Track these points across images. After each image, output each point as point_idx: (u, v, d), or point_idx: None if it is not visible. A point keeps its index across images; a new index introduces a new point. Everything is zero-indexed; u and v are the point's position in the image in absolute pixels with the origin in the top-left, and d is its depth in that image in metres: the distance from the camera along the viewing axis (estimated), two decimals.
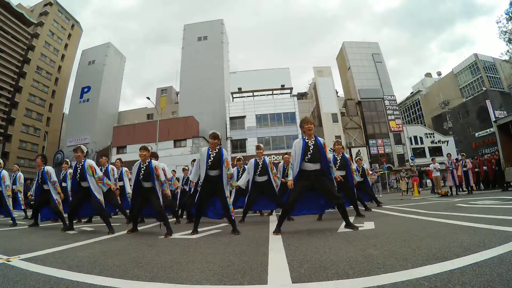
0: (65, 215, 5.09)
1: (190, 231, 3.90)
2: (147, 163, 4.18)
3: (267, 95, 37.21)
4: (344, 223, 3.55)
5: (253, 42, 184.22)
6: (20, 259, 2.49)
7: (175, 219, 5.92)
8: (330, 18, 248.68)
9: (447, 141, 34.37)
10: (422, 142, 35.26)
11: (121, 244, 3.27)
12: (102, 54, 43.25)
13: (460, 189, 11.67)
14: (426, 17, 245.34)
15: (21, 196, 7.67)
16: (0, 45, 37.26)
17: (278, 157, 23.65)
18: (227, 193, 3.92)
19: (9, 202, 6.21)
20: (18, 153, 38.33)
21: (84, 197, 4.55)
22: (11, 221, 5.95)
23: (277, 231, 3.41)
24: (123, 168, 7.02)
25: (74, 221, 6.17)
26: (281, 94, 37.04)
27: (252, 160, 5.51)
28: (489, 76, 42.75)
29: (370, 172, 8.83)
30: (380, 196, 15.37)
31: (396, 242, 2.49)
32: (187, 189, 6.66)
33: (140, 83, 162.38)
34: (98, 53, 43.55)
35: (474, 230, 2.84)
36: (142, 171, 4.13)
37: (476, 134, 34.38)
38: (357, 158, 8.55)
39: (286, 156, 6.41)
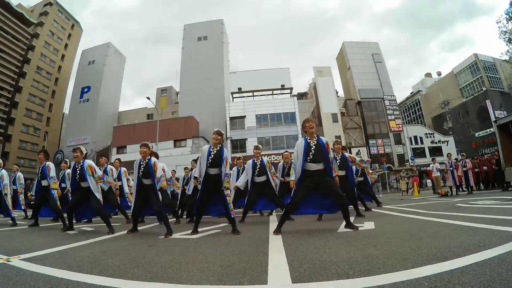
0: (65, 215, 5.09)
1: (190, 231, 3.90)
2: (147, 160, 4.19)
3: (267, 95, 37.21)
4: (344, 223, 3.55)
5: (253, 42, 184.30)
6: (20, 259, 2.49)
7: (175, 219, 5.92)
8: (330, 18, 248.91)
9: (447, 141, 34.37)
10: (422, 142, 35.25)
11: (121, 244, 3.27)
12: (102, 54, 43.25)
13: (460, 189, 11.67)
14: (426, 17, 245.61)
15: (21, 196, 7.66)
16: (0, 45, 37.26)
17: (278, 157, 23.64)
18: (228, 192, 3.92)
19: (8, 201, 6.20)
20: (18, 153, 38.33)
21: (84, 197, 4.54)
22: (11, 221, 5.94)
23: (277, 231, 3.41)
24: (122, 168, 7.02)
25: (74, 222, 6.18)
26: (281, 94, 37.04)
27: (250, 161, 5.52)
28: (489, 76, 42.74)
29: (370, 171, 8.83)
30: (380, 196, 15.37)
31: (396, 242, 2.49)
32: (187, 190, 6.67)
33: (140, 83, 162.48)
34: (98, 53, 43.54)
35: (474, 230, 2.84)
36: (142, 168, 4.14)
37: (476, 134, 34.36)
38: (357, 155, 8.57)
39: (286, 153, 6.42)
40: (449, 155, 11.71)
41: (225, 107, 33.47)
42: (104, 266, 2.17)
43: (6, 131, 37.62)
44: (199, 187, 4.11)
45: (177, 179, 8.04)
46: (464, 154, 12.35)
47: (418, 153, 34.38)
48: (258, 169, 5.37)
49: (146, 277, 1.84)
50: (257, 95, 37.31)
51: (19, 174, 7.71)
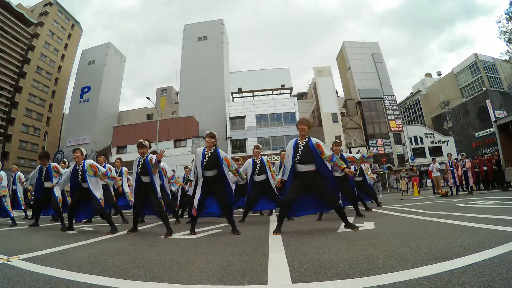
0: (65, 215, 5.09)
1: (189, 231, 3.90)
2: (145, 157, 4.21)
3: (267, 95, 37.22)
4: (343, 224, 3.55)
5: (253, 42, 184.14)
6: (20, 259, 2.49)
7: (175, 219, 5.92)
8: (330, 18, 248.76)
9: (447, 141, 34.37)
10: (422, 142, 35.25)
11: (121, 244, 3.27)
12: (102, 54, 43.24)
13: (460, 189, 11.68)
14: (426, 17, 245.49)
15: (21, 196, 7.67)
16: (0, 45, 37.27)
17: (278, 157, 23.64)
18: (228, 190, 3.91)
19: (7, 202, 6.20)
20: (18, 153, 38.34)
21: (84, 197, 4.54)
22: (11, 221, 5.95)
23: (277, 231, 3.41)
24: (123, 168, 7.03)
25: (74, 222, 6.17)
26: (281, 94, 37.05)
27: (250, 160, 5.54)
28: (489, 76, 42.74)
29: (369, 172, 8.86)
30: (380, 196, 15.37)
31: (396, 242, 2.49)
32: (187, 190, 6.68)
33: (140, 83, 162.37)
34: (98, 53, 43.52)
35: (474, 230, 2.84)
36: (140, 165, 4.16)
37: (476, 134, 34.35)
38: (333, 142, 8.60)
39: (283, 153, 6.43)
40: (449, 155, 11.72)
41: (225, 107, 33.48)
42: (104, 266, 2.17)
43: (6, 131, 37.63)
44: (190, 191, 4.14)
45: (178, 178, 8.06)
46: (464, 154, 12.36)
47: (418, 153, 34.38)
48: (258, 168, 5.38)
49: (146, 277, 1.84)
50: (257, 95, 37.33)
51: (19, 174, 7.72)
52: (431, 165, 12.02)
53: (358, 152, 32.00)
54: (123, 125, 36.15)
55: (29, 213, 7.94)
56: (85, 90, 41.52)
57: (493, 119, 11.80)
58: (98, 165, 4.61)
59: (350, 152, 32.33)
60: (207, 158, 3.85)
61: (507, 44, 23.30)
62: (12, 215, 6.10)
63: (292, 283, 1.60)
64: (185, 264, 2.15)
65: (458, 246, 2.15)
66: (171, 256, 2.48)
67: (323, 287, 1.52)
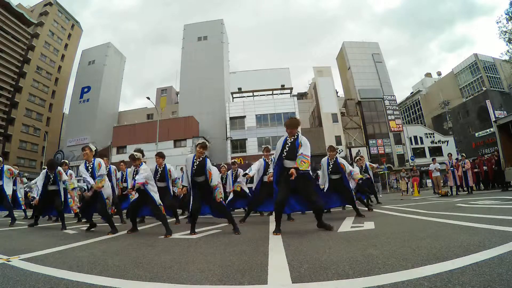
0: (66, 215, 5.11)
1: (189, 231, 3.91)
2: (139, 167, 4.31)
3: (267, 95, 37.20)
4: (343, 223, 3.55)
5: (253, 42, 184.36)
6: (20, 259, 2.49)
7: (175, 219, 5.92)
8: (330, 18, 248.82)
9: (447, 141, 34.36)
10: (422, 142, 35.25)
11: (121, 244, 3.27)
12: (102, 54, 43.23)
13: (461, 189, 11.67)
14: (426, 17, 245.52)
15: (21, 196, 7.68)
16: (0, 45, 37.26)
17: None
18: (217, 194, 3.96)
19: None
20: (18, 153, 38.34)
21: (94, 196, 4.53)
22: (10, 220, 5.95)
23: (277, 231, 3.41)
24: (128, 169, 7.05)
25: (75, 221, 6.20)
26: (281, 94, 37.04)
27: (262, 160, 5.60)
28: (489, 76, 42.74)
29: (374, 166, 9.01)
30: (380, 196, 15.35)
31: (396, 242, 2.49)
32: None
33: (140, 83, 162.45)
34: (98, 53, 43.51)
35: (474, 230, 2.84)
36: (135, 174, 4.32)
37: (476, 134, 34.34)
38: (357, 158, 8.61)
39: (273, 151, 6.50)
40: (449, 155, 11.72)
41: (225, 107, 33.46)
42: (104, 266, 2.17)
43: (6, 131, 37.62)
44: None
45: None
46: (464, 154, 12.34)
47: (418, 153, 34.37)
48: (269, 169, 5.41)
49: (146, 277, 1.84)
50: (257, 95, 37.32)
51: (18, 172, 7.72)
52: (431, 165, 12.02)
53: (358, 152, 32.05)
54: (123, 125, 36.13)
55: (29, 213, 7.95)
56: (85, 90, 41.52)
57: (493, 119, 11.81)
58: (102, 165, 4.51)
59: (350, 152, 32.45)
60: (196, 166, 3.96)
61: (507, 44, 23.27)
62: (13, 214, 6.12)
63: (292, 283, 1.60)
64: (185, 264, 2.15)
65: (458, 246, 2.15)
66: (171, 256, 2.48)
67: (323, 287, 1.52)
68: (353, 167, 7.74)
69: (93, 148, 4.61)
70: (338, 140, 32.30)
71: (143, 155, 4.52)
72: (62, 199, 5.44)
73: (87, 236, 4.00)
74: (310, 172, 3.71)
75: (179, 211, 8.67)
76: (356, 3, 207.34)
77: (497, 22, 22.58)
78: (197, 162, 3.98)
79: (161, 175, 5.49)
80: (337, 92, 38.64)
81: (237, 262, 2.11)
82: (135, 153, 4.31)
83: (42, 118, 42.64)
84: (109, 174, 6.24)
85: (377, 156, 32.75)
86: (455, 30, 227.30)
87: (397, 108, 36.94)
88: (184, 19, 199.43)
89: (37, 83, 42.23)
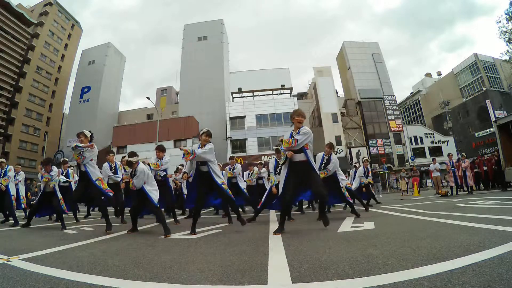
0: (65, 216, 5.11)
1: (189, 231, 3.91)
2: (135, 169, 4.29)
3: (267, 95, 37.19)
4: (344, 222, 3.55)
5: (253, 42, 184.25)
6: (20, 259, 2.49)
7: (173, 219, 5.91)
8: (330, 18, 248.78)
9: (447, 141, 34.35)
10: (422, 142, 35.23)
11: (121, 244, 3.27)
12: (102, 54, 43.22)
13: (461, 189, 11.67)
14: (426, 17, 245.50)
15: (22, 195, 7.68)
16: (0, 45, 37.25)
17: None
18: (220, 181, 3.99)
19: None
20: (18, 153, 38.32)
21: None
22: (13, 221, 5.95)
23: (280, 230, 3.41)
24: (117, 162, 7.04)
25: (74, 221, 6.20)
26: (281, 94, 37.03)
27: (273, 159, 5.69)
28: (489, 76, 42.71)
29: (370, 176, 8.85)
30: (380, 196, 15.37)
31: (396, 242, 2.49)
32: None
33: (140, 83, 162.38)
34: (98, 53, 43.50)
35: (474, 230, 2.84)
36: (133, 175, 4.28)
37: (476, 134, 34.33)
38: (364, 159, 8.61)
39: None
40: (449, 155, 11.71)
41: (225, 107, 33.46)
42: (104, 266, 2.17)
43: (6, 131, 37.61)
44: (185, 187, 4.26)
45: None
46: (464, 154, 12.34)
47: (418, 153, 34.36)
48: (279, 168, 5.44)
49: (146, 277, 1.84)
50: (257, 95, 37.30)
51: (21, 173, 7.74)
52: (431, 165, 12.01)
53: (358, 152, 32.06)
54: (123, 125, 36.13)
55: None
56: (85, 90, 41.51)
57: (493, 119, 11.81)
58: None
59: (350, 152, 32.44)
60: None
61: (507, 44, 23.26)
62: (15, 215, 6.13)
63: (292, 283, 1.60)
64: (185, 264, 2.15)
65: (458, 246, 2.15)
66: (171, 256, 2.48)
67: (323, 287, 1.52)
68: (358, 167, 7.87)
69: (88, 134, 4.53)
70: (338, 140, 32.27)
71: (137, 155, 4.52)
72: (60, 198, 5.40)
73: (87, 236, 4.00)
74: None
75: (179, 211, 8.68)
76: (356, 3, 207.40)
77: (497, 22, 22.58)
78: None
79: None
80: (337, 92, 38.63)
81: (237, 262, 2.11)
82: (132, 159, 4.28)
83: (42, 118, 42.63)
84: (115, 171, 6.34)
85: (377, 156, 32.77)
86: (455, 30, 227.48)
87: (397, 108, 36.92)
88: (184, 19, 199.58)
89: (37, 83, 42.23)
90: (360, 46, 39.21)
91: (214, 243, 3.06)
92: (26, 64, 40.85)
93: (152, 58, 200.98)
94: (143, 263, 2.23)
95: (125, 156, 7.37)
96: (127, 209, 6.88)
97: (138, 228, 4.43)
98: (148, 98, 24.80)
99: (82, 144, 4.39)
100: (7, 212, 6.39)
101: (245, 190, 6.77)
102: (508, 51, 23.55)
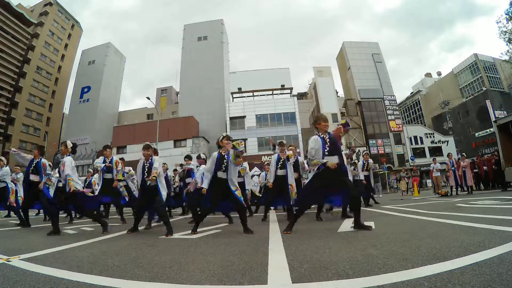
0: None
1: (190, 231, 3.91)
2: (150, 160, 4.25)
3: (267, 95, 37.20)
4: (343, 223, 3.55)
5: (253, 42, 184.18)
6: (20, 259, 2.49)
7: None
8: (330, 18, 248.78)
9: (447, 141, 34.36)
10: (422, 142, 35.25)
11: (121, 244, 3.27)
12: (102, 54, 43.25)
13: (460, 188, 11.67)
14: (426, 17, 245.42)
15: (20, 195, 7.66)
16: (0, 45, 37.25)
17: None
18: (234, 188, 3.99)
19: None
20: None
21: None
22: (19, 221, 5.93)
23: (289, 229, 3.50)
24: (126, 167, 7.07)
25: (75, 220, 6.20)
26: (281, 94, 37.03)
27: (275, 156, 5.63)
28: (489, 76, 42.70)
29: (371, 162, 8.92)
30: (380, 196, 15.37)
31: (396, 242, 2.49)
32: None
33: (140, 83, 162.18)
34: (98, 53, 43.54)
35: (474, 230, 2.84)
36: (146, 169, 4.21)
37: (476, 134, 34.34)
38: (365, 152, 8.67)
39: (267, 166, 6.62)
40: (449, 155, 11.70)
41: (225, 107, 33.47)
42: (104, 266, 2.17)
43: (6, 131, 37.60)
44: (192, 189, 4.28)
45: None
46: (464, 154, 12.34)
47: (418, 153, 34.38)
48: (280, 163, 5.40)
49: (146, 277, 1.84)
50: (257, 95, 37.31)
51: (21, 174, 7.74)
52: (431, 165, 12.01)
53: (358, 152, 32.04)
54: (123, 125, 36.16)
55: (31, 213, 7.93)
56: (85, 90, 41.55)
57: (493, 119, 11.82)
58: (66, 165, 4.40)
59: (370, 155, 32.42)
60: (225, 162, 4.04)
61: (507, 44, 23.22)
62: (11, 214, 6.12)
63: (292, 283, 1.60)
64: (185, 264, 2.15)
65: (458, 246, 2.15)
66: (171, 256, 2.48)
67: (323, 287, 1.52)
68: (358, 161, 7.94)
69: (69, 145, 4.56)
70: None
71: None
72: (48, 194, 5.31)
73: (87, 236, 4.00)
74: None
75: (178, 211, 8.71)
76: (356, 3, 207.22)
77: (497, 22, 22.55)
78: (225, 158, 4.07)
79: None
80: (337, 92, 38.66)
81: (237, 262, 2.11)
82: (150, 143, 4.38)
83: (42, 118, 42.63)
84: (110, 167, 6.35)
85: (377, 156, 32.76)
86: (455, 30, 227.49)
87: (397, 108, 36.94)
88: (184, 19, 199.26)
89: (37, 83, 42.22)
90: (360, 46, 39.23)
91: (214, 243, 3.06)
92: (26, 64, 40.85)
93: (152, 58, 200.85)
94: (143, 263, 2.23)
95: (122, 158, 7.41)
96: (127, 209, 6.90)
97: (138, 228, 4.42)
98: (148, 98, 24.79)
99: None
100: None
101: (247, 192, 6.76)
102: (508, 51, 23.52)
